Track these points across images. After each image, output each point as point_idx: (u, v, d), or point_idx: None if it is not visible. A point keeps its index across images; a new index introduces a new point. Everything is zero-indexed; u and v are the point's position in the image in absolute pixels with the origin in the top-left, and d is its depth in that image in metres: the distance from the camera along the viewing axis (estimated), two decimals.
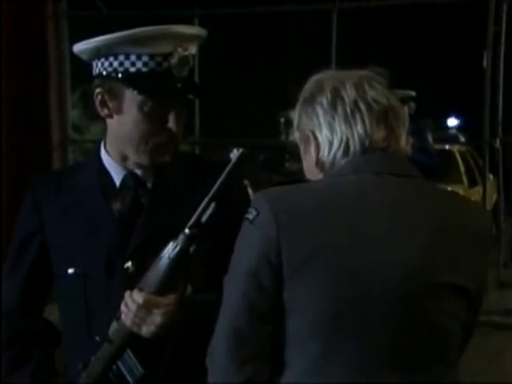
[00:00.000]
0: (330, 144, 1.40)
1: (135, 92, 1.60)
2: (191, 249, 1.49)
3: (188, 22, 5.83)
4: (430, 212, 1.36)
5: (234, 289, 1.34)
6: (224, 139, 9.17)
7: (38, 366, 1.72)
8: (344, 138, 1.39)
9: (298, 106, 1.47)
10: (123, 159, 1.70)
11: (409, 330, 1.31)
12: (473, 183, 8.39)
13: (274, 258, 1.31)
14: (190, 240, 1.49)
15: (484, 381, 4.18)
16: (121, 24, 1.73)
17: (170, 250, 1.50)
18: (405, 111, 1.47)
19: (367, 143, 1.38)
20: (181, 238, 1.49)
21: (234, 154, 1.51)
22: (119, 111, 1.64)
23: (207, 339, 1.39)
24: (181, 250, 1.49)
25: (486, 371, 4.44)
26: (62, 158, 6.37)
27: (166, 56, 1.60)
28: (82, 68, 1.79)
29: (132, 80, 1.60)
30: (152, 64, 1.60)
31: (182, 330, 1.55)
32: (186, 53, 1.63)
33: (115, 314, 1.56)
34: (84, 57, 1.67)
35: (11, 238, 1.78)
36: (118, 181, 1.71)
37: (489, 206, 6.75)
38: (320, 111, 1.41)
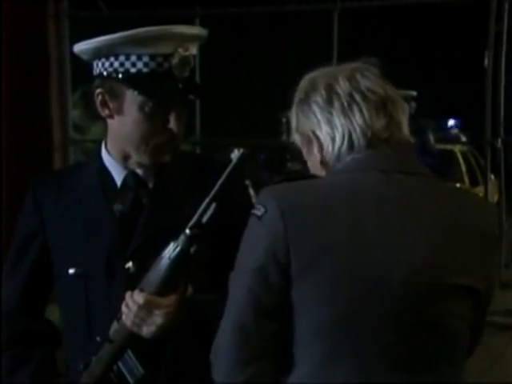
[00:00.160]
0: (333, 140, 1.39)
1: (136, 92, 1.60)
2: (192, 249, 1.49)
3: (189, 21, 5.83)
4: (437, 211, 1.35)
5: (240, 285, 1.34)
6: (225, 139, 9.16)
7: (38, 366, 1.72)
8: (346, 132, 1.38)
9: (294, 107, 1.46)
10: (124, 159, 1.69)
11: (414, 331, 1.31)
12: (474, 183, 8.40)
13: (281, 256, 1.30)
14: (190, 240, 1.49)
15: (486, 381, 4.17)
16: (122, 24, 1.73)
17: (170, 250, 1.49)
18: (403, 101, 1.45)
19: (369, 134, 1.37)
20: (181, 238, 1.49)
21: (235, 154, 1.51)
22: (120, 111, 1.64)
23: (208, 340, 1.38)
24: (181, 250, 1.49)
25: (488, 371, 4.44)
26: (63, 157, 6.38)
27: (167, 56, 1.60)
28: (82, 68, 1.79)
29: (133, 80, 1.60)
30: (153, 64, 1.60)
31: (182, 330, 1.55)
32: (187, 53, 1.62)
33: (116, 314, 1.56)
34: (84, 57, 1.67)
35: (11, 238, 1.78)
36: (118, 181, 1.70)
37: None
38: (317, 109, 1.41)
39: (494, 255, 1.42)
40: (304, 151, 1.47)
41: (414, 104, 5.44)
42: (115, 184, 1.70)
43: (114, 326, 1.57)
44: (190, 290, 1.56)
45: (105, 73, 1.62)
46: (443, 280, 1.32)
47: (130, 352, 1.57)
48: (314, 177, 1.45)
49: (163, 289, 1.51)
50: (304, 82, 1.46)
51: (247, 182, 1.98)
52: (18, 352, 1.73)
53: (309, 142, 1.44)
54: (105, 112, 1.66)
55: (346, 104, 1.38)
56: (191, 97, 1.71)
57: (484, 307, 1.42)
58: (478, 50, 6.53)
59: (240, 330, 1.32)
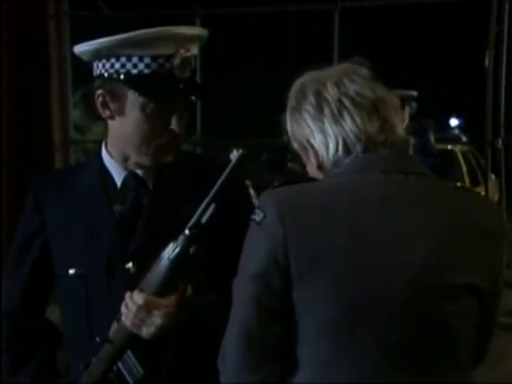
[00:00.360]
0: (327, 147, 1.39)
1: (137, 93, 1.60)
2: (191, 250, 1.49)
3: (189, 21, 5.84)
4: (439, 210, 1.34)
5: (243, 291, 1.34)
6: (225, 139, 9.15)
7: (39, 366, 1.72)
8: (340, 139, 1.38)
9: (287, 115, 1.46)
10: (124, 159, 1.69)
11: (417, 331, 1.30)
12: (475, 183, 8.39)
13: (281, 259, 1.30)
14: (189, 241, 1.49)
15: (488, 381, 4.16)
16: (122, 24, 1.73)
17: (169, 250, 1.49)
18: (395, 99, 1.45)
19: (363, 138, 1.37)
20: (181, 238, 1.49)
21: (234, 154, 1.50)
22: (121, 113, 1.64)
23: (207, 340, 1.39)
24: (181, 251, 1.49)
25: (490, 371, 4.43)
26: (64, 158, 6.37)
27: (168, 57, 1.60)
28: (83, 68, 1.78)
29: (134, 81, 1.60)
30: (154, 65, 1.59)
31: (181, 331, 1.55)
32: (188, 54, 1.62)
33: (116, 314, 1.56)
34: (85, 58, 1.67)
35: (11, 238, 1.78)
36: (119, 181, 1.70)
37: None
38: (308, 118, 1.41)
39: (499, 253, 1.40)
40: (302, 156, 1.47)
41: (414, 104, 5.43)
42: (115, 184, 1.70)
43: (114, 326, 1.57)
44: (189, 290, 1.56)
45: (106, 74, 1.62)
46: (445, 279, 1.31)
47: (129, 352, 1.57)
48: (314, 179, 1.45)
49: (163, 289, 1.51)
50: (294, 89, 1.45)
51: (247, 182, 1.98)
52: (18, 352, 1.74)
53: (305, 149, 1.44)
54: (105, 113, 1.66)
55: (335, 110, 1.38)
56: (193, 98, 1.71)
57: (491, 307, 1.41)
58: (479, 50, 6.53)
59: (246, 335, 1.32)
